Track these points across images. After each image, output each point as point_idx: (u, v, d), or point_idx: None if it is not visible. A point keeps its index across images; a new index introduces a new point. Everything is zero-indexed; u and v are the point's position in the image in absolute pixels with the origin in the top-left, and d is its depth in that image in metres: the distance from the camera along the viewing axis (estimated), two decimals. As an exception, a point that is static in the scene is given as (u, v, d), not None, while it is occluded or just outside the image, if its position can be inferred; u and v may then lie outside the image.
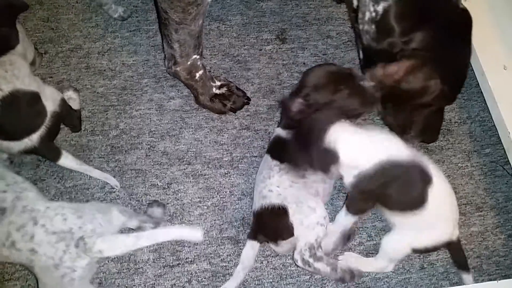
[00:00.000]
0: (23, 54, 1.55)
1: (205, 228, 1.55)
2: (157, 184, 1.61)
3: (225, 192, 1.61)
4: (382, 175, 1.32)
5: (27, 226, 1.25)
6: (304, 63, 1.84)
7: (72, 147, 1.64)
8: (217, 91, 1.70)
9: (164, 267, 1.49)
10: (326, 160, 1.34)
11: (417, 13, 1.39)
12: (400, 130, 1.55)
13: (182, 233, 1.34)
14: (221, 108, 1.71)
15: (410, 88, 1.43)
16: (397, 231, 1.43)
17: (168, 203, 1.58)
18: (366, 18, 1.45)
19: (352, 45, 1.89)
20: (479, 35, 1.50)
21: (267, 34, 1.91)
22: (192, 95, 1.72)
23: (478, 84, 1.76)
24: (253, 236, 1.46)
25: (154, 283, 1.47)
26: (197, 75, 1.62)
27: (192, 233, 1.30)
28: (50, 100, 1.51)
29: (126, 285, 1.46)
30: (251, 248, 1.45)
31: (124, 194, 1.58)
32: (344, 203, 1.48)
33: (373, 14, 1.43)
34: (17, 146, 1.46)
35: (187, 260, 1.51)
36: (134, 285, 1.47)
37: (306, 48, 1.88)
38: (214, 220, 1.56)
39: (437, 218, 1.39)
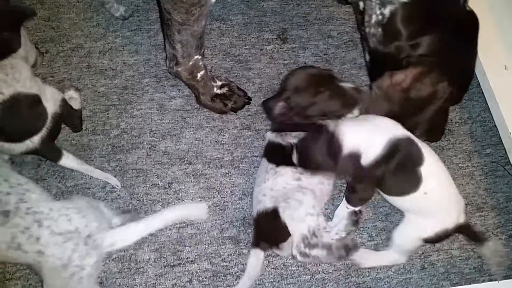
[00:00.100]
0: (25, 57, 1.55)
1: (206, 228, 1.55)
2: (158, 184, 1.61)
3: (226, 191, 1.61)
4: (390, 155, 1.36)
5: (32, 228, 1.25)
6: (305, 63, 1.84)
7: (73, 146, 1.64)
8: (218, 91, 1.70)
9: (165, 267, 1.49)
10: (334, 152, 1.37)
11: (424, 17, 1.39)
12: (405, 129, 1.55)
13: (188, 210, 1.45)
14: (222, 108, 1.71)
15: (419, 95, 1.43)
16: (405, 222, 1.46)
17: (169, 203, 1.58)
18: (373, 21, 1.45)
19: (353, 45, 1.90)
20: (480, 36, 1.50)
21: (268, 34, 1.91)
22: (193, 94, 1.72)
23: (479, 84, 1.76)
24: (255, 243, 1.46)
25: (155, 283, 1.47)
26: (199, 75, 1.62)
27: (198, 209, 1.42)
28: (51, 101, 1.51)
29: (127, 285, 1.47)
30: (255, 257, 1.44)
31: (125, 194, 1.58)
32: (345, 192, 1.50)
33: (380, 17, 1.43)
34: (18, 147, 1.47)
35: (188, 259, 1.51)
36: (135, 285, 1.47)
37: (307, 48, 1.88)
38: (215, 220, 1.56)
39: (439, 203, 1.41)
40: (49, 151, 1.53)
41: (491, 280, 1.51)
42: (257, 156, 1.66)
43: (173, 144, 1.68)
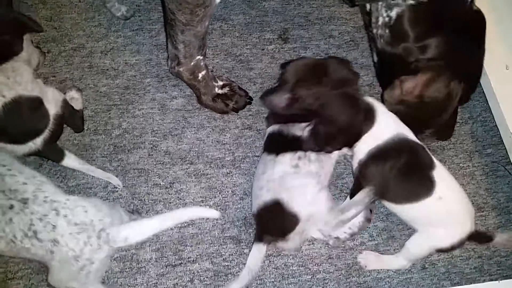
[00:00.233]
0: (27, 60, 1.56)
1: (207, 228, 1.56)
2: (160, 184, 1.61)
3: (227, 191, 1.62)
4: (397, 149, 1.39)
5: (49, 215, 1.26)
6: (306, 63, 1.85)
7: (75, 146, 1.64)
8: (220, 91, 1.70)
9: (166, 267, 1.50)
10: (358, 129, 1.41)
11: (431, 18, 1.38)
12: (417, 129, 1.54)
13: (200, 211, 1.49)
14: (223, 107, 1.71)
15: (434, 99, 1.44)
16: (420, 232, 1.45)
17: (170, 203, 1.58)
18: (380, 22, 1.45)
19: (354, 45, 1.90)
20: (481, 36, 1.50)
21: (269, 34, 1.91)
22: (194, 94, 1.72)
23: (480, 84, 1.76)
24: (258, 238, 1.45)
25: (157, 282, 1.48)
26: (200, 75, 1.62)
27: (210, 214, 1.45)
28: (53, 102, 1.52)
29: (129, 284, 1.47)
30: (257, 251, 1.44)
31: (126, 194, 1.59)
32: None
33: (387, 19, 1.43)
34: (21, 149, 1.48)
35: (189, 259, 1.51)
36: (137, 284, 1.47)
37: (309, 48, 1.89)
38: (216, 220, 1.57)
39: (452, 213, 1.41)
40: (52, 152, 1.54)
41: (491, 280, 1.51)
42: (258, 156, 1.67)
43: (175, 144, 1.68)
